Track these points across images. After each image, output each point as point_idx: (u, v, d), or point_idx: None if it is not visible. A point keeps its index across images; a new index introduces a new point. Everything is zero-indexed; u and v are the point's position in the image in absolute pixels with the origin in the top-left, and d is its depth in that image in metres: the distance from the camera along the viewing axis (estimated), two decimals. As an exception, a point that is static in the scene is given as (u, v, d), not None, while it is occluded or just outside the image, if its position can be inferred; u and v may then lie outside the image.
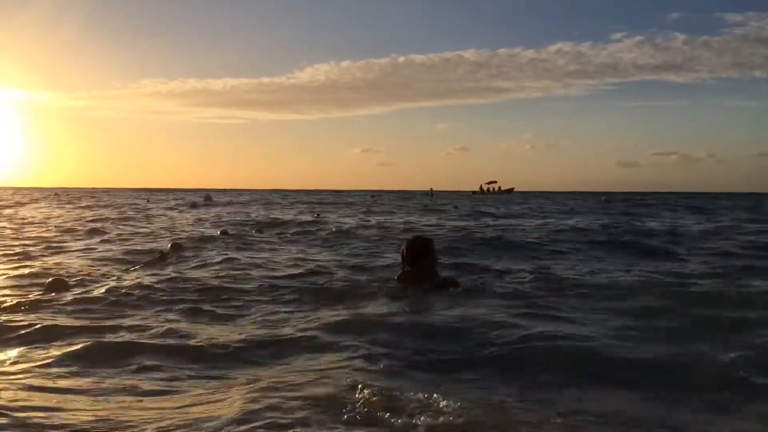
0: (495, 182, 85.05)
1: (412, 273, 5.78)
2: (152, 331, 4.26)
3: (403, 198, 59.75)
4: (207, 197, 40.84)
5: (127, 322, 4.60)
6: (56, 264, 7.99)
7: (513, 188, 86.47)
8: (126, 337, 4.13)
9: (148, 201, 39.30)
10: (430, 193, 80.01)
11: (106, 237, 12.37)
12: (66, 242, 11.28)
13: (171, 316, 4.86)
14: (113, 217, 20.02)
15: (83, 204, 33.28)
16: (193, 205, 33.10)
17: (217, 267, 7.74)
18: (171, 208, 28.48)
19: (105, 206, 29.79)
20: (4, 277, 6.88)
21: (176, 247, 9.64)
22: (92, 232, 13.30)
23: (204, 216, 21.44)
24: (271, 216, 21.51)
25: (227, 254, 9.04)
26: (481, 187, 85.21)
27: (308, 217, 20.45)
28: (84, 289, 5.87)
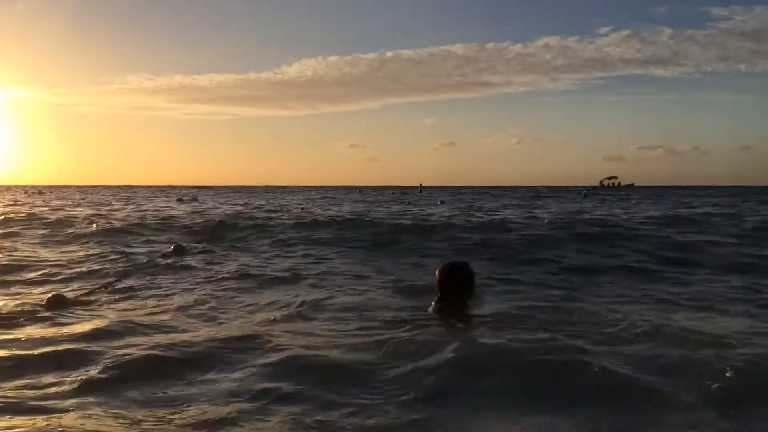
0: (615, 177, 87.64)
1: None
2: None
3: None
4: (193, 198, 40.05)
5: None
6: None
7: (633, 183, 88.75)
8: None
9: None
10: (420, 189, 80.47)
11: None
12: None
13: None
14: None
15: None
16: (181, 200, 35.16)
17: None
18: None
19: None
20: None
21: (179, 249, 10.20)
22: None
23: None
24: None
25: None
26: (601, 182, 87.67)
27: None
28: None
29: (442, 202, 33.97)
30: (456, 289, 4.60)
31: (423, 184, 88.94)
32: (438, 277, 4.65)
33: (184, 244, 10.69)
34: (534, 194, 56.95)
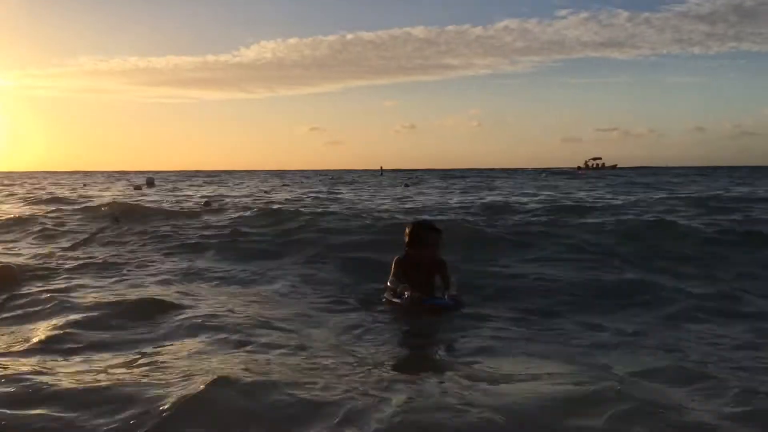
0: (600, 159, 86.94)
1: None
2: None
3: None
4: (149, 181, 36.65)
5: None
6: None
7: (616, 165, 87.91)
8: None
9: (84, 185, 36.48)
10: (380, 172, 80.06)
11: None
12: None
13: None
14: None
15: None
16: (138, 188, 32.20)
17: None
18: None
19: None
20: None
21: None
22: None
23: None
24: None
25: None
26: (586, 163, 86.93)
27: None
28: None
29: (406, 186, 33.17)
30: (422, 243, 4.70)
31: (384, 167, 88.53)
32: (406, 231, 4.81)
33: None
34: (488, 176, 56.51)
